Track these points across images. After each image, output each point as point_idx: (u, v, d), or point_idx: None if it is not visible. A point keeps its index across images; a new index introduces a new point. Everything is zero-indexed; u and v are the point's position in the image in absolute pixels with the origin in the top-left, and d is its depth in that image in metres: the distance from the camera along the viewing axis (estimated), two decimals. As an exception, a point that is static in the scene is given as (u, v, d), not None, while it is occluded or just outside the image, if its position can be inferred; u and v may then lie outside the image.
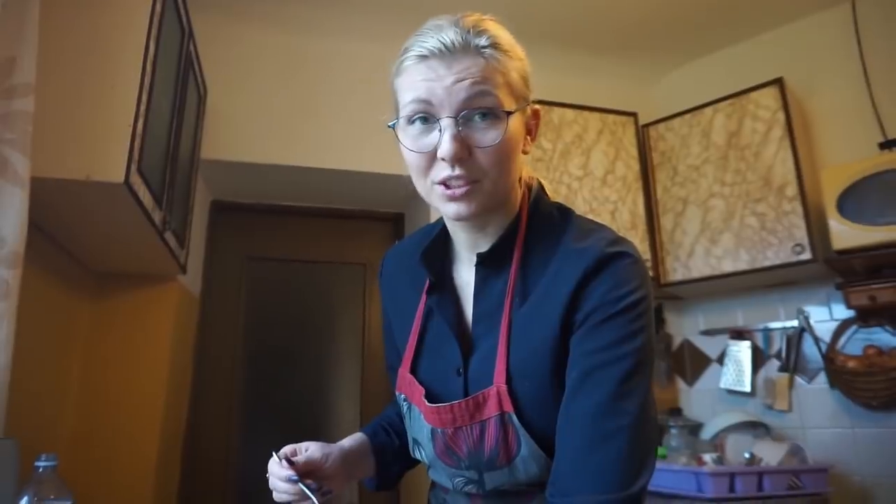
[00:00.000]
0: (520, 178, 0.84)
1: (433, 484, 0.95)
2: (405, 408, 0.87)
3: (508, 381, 0.74)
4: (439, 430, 0.80)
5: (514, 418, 0.74)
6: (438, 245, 0.88)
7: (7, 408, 1.12)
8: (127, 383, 2.05)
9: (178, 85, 1.76)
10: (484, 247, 0.82)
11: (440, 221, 0.91)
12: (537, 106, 0.82)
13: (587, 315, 0.71)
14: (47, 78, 1.27)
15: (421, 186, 0.77)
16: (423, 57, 0.72)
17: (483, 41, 0.72)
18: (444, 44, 0.71)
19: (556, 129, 2.51)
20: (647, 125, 2.66)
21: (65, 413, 1.93)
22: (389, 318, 0.98)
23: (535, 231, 0.81)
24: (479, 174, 0.72)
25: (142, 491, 1.99)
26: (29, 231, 1.18)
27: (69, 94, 1.33)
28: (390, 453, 0.95)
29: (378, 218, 3.00)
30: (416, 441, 0.86)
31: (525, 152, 0.80)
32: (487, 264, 0.81)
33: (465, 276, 0.86)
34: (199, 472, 2.47)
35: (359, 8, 2.45)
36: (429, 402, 0.80)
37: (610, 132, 2.60)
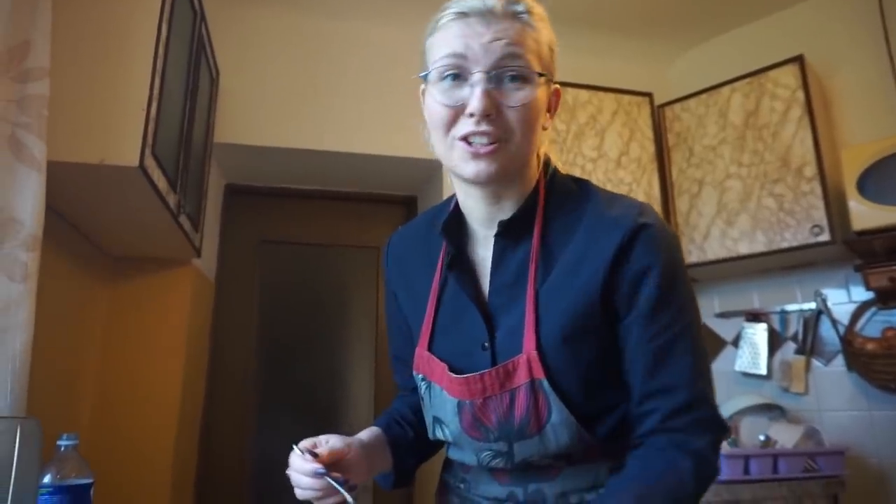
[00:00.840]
0: (537, 154, 0.84)
1: (449, 464, 0.95)
2: (423, 387, 0.87)
3: (539, 348, 0.75)
4: (467, 402, 0.79)
5: (546, 384, 0.75)
6: (455, 220, 0.87)
7: (28, 388, 1.14)
8: (145, 365, 2.08)
9: (190, 68, 1.76)
10: (501, 219, 0.82)
11: (447, 202, 0.91)
12: (558, 86, 0.83)
13: (634, 296, 0.75)
14: (61, 62, 1.27)
15: (441, 145, 0.78)
16: (463, 14, 0.75)
17: (521, 7, 0.76)
18: (485, 4, 0.75)
19: (570, 110, 2.48)
20: (662, 105, 2.62)
21: (84, 394, 1.97)
22: (398, 301, 0.97)
23: (554, 202, 0.83)
24: (506, 133, 0.74)
25: (160, 470, 2.03)
26: (46, 215, 1.19)
27: (83, 78, 1.34)
28: (404, 446, 0.94)
29: (391, 201, 2.99)
30: (438, 420, 0.85)
31: (544, 128, 0.81)
32: (507, 235, 0.82)
33: (480, 251, 0.86)
34: (215, 452, 2.51)
35: (370, -12, 2.43)
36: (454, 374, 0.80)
37: (625, 113, 2.57)
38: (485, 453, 0.81)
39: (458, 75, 0.74)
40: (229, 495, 2.50)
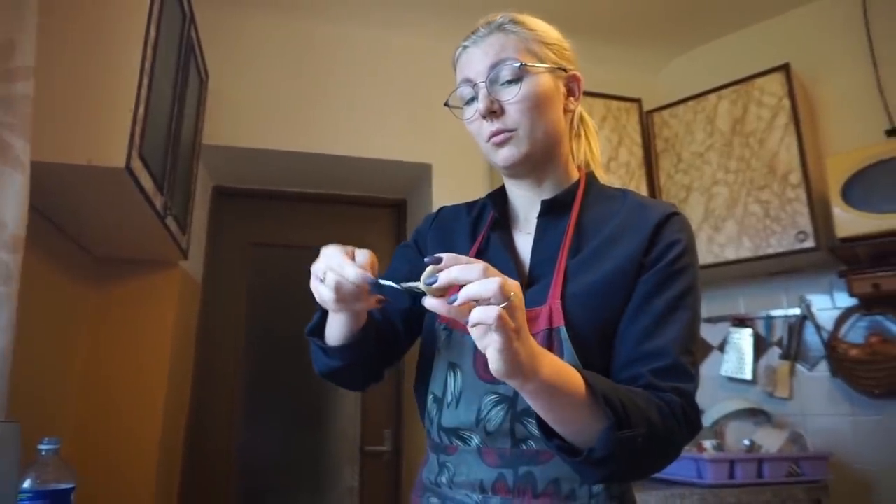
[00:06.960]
0: (572, 152, 0.98)
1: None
2: (444, 337, 0.90)
3: (561, 300, 0.83)
4: None
5: (563, 331, 0.81)
6: (500, 194, 1.00)
7: (9, 392, 1.12)
8: (130, 368, 2.07)
9: (178, 70, 1.75)
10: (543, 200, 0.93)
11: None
12: (577, 73, 0.94)
13: (659, 263, 0.84)
14: (48, 62, 1.26)
15: (482, 148, 0.92)
16: (466, 48, 0.92)
17: (502, 20, 0.90)
18: (477, 33, 0.91)
19: (560, 115, 2.49)
20: (651, 111, 2.64)
21: (68, 397, 1.94)
22: (427, 252, 1.00)
23: (593, 195, 0.95)
24: (512, 124, 0.87)
25: (145, 474, 2.01)
26: (31, 216, 1.18)
27: (70, 78, 1.32)
28: (373, 326, 0.91)
29: (380, 204, 2.99)
30: (453, 365, 0.88)
31: (568, 110, 0.94)
32: (548, 215, 0.92)
33: (523, 233, 0.96)
34: (201, 456, 2.49)
35: (361, -8, 2.43)
36: None
37: (614, 118, 2.58)
38: (488, 398, 0.83)
39: (472, 96, 0.90)
40: (215, 498, 2.48)
